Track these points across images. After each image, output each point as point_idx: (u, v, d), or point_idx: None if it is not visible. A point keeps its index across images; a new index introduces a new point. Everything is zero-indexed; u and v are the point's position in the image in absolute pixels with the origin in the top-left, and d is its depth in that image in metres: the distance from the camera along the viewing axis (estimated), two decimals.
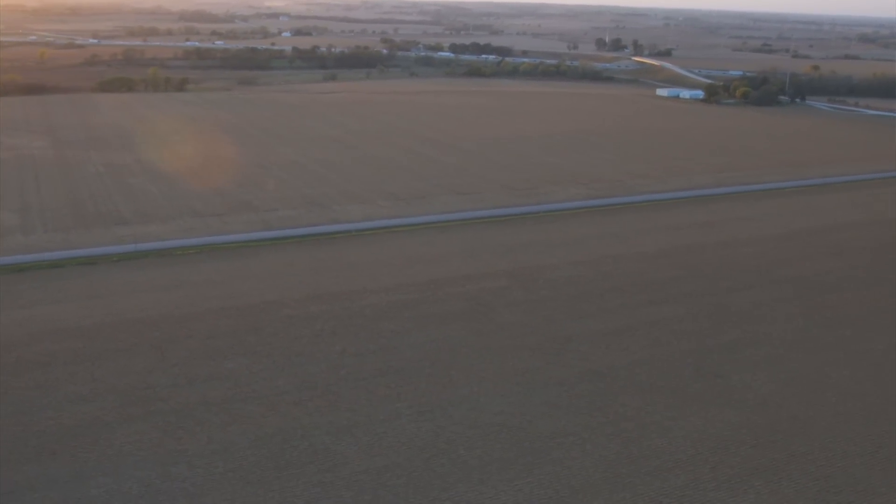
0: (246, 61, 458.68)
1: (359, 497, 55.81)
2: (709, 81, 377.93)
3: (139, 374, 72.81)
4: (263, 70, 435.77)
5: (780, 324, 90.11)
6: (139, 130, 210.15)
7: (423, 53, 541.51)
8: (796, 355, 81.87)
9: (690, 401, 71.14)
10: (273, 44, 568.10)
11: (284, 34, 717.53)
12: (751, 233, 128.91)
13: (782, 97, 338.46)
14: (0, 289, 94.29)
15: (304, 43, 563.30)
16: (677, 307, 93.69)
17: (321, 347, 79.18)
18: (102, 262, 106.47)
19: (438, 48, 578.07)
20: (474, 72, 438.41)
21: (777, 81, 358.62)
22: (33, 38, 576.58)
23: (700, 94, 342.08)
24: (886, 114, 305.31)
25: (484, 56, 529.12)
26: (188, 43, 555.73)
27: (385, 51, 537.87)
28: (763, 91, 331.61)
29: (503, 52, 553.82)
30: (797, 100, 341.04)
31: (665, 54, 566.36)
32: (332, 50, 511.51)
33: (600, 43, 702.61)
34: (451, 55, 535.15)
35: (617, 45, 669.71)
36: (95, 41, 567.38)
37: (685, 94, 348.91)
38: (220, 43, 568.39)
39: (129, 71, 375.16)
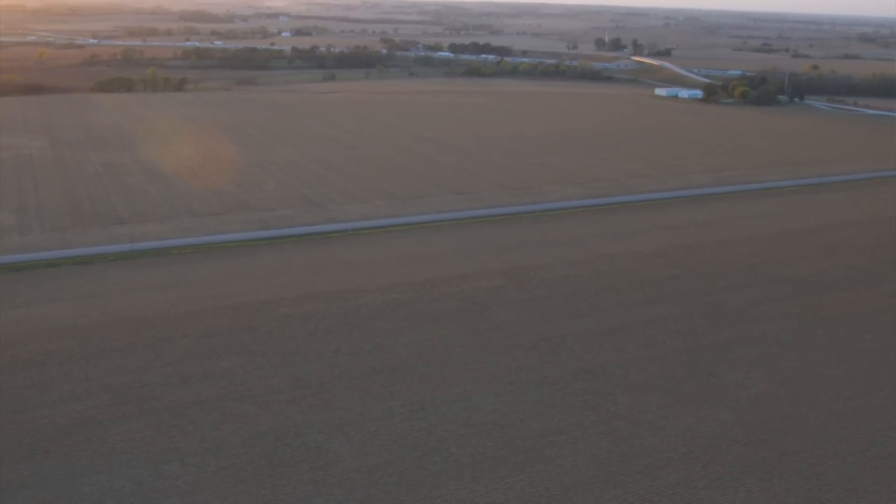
0: (245, 61, 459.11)
1: (350, 495, 55.97)
2: (708, 81, 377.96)
3: (134, 373, 72.98)
4: (262, 70, 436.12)
5: (775, 323, 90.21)
6: (137, 130, 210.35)
7: (422, 53, 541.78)
8: (790, 354, 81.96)
9: (683, 400, 71.25)
10: (272, 44, 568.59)
11: (284, 34, 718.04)
12: (748, 232, 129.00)
13: (781, 97, 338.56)
14: None
15: (304, 43, 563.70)
16: (673, 306, 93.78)
17: (315, 346, 79.34)
18: (99, 262, 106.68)
19: (438, 48, 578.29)
20: (473, 72, 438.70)
21: (776, 81, 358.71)
22: (33, 38, 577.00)
23: (699, 93, 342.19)
24: (885, 113, 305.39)
25: (483, 56, 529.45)
26: (188, 43, 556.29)
27: (384, 51, 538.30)
28: (762, 91, 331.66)
29: (502, 51, 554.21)
30: (796, 99, 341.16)
31: (665, 54, 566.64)
32: (332, 50, 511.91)
33: (600, 43, 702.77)
34: (451, 55, 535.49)
35: (616, 45, 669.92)
36: (95, 41, 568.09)
37: (684, 93, 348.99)
38: (219, 43, 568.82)
39: (128, 71, 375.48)
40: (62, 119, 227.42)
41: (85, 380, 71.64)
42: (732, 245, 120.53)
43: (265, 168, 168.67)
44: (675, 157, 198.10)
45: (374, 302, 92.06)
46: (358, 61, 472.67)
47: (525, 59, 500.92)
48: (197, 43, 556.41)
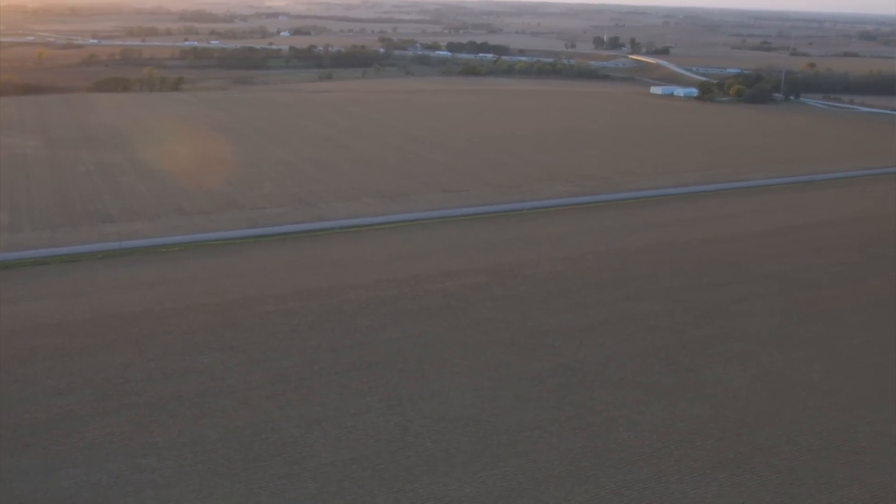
0: (243, 61, 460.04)
1: (323, 489, 56.62)
2: (703, 79, 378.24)
3: (116, 369, 73.66)
4: (260, 69, 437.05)
5: (757, 319, 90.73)
6: (132, 130, 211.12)
7: (419, 52, 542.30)
8: (770, 350, 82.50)
9: (660, 395, 71.82)
10: (271, 43, 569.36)
11: (283, 34, 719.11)
12: (734, 229, 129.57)
13: (776, 95, 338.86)
14: None
15: (302, 42, 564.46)
16: (654, 303, 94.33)
17: (297, 343, 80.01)
18: (87, 260, 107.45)
19: (436, 47, 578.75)
20: (470, 70, 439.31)
21: (772, 79, 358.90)
22: (32, 38, 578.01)
23: (694, 91, 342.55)
24: (880, 111, 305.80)
25: (481, 55, 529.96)
26: (186, 43, 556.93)
27: (382, 50, 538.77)
28: (757, 88, 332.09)
29: (500, 50, 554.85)
30: (791, 97, 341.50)
31: (663, 52, 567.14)
32: (329, 49, 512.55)
33: (598, 41, 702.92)
34: (448, 54, 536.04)
35: (615, 44, 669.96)
36: (94, 41, 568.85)
37: (679, 91, 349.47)
38: (216, 43, 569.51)
39: (126, 71, 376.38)
40: (58, 119, 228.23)
41: (68, 375, 72.35)
42: (718, 242, 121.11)
43: (257, 167, 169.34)
44: (667, 155, 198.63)
45: (358, 299, 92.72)
46: (355, 60, 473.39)
47: (522, 58, 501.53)
48: (195, 43, 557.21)
